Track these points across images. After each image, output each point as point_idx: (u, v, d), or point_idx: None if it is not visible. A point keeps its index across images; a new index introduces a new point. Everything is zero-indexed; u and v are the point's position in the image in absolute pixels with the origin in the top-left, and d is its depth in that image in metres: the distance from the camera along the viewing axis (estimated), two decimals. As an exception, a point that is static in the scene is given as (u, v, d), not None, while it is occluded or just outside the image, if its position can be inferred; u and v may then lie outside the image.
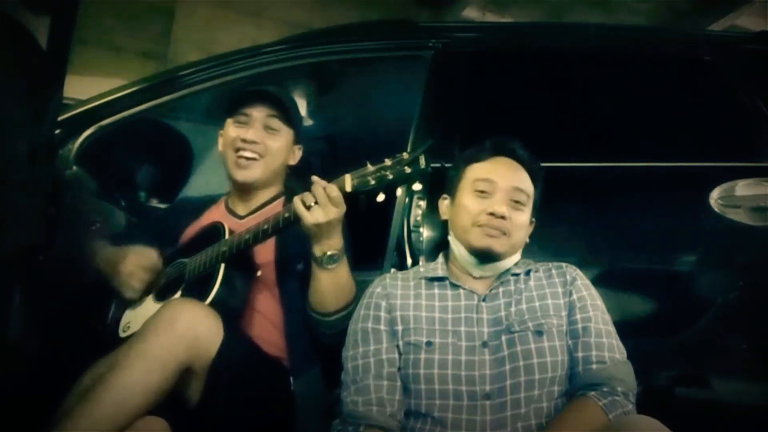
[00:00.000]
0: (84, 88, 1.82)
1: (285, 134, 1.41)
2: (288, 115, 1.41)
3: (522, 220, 1.14)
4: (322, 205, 1.13)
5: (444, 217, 1.22)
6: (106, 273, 1.33)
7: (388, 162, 1.11)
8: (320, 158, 2.31)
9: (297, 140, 1.45)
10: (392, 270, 1.30)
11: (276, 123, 1.39)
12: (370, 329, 1.10)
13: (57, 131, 1.47)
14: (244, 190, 1.42)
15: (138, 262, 1.30)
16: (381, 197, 1.13)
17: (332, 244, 1.18)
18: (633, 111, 1.54)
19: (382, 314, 1.11)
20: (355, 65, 2.04)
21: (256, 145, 1.36)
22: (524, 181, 1.16)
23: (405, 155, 1.11)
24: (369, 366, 1.06)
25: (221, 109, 1.49)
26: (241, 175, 1.37)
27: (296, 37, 1.79)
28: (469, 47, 1.63)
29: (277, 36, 1.97)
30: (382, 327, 1.10)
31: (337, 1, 4.31)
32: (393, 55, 1.70)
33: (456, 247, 1.16)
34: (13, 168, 1.07)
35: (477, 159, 1.19)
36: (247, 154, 1.36)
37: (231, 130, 1.39)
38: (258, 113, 1.38)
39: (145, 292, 1.33)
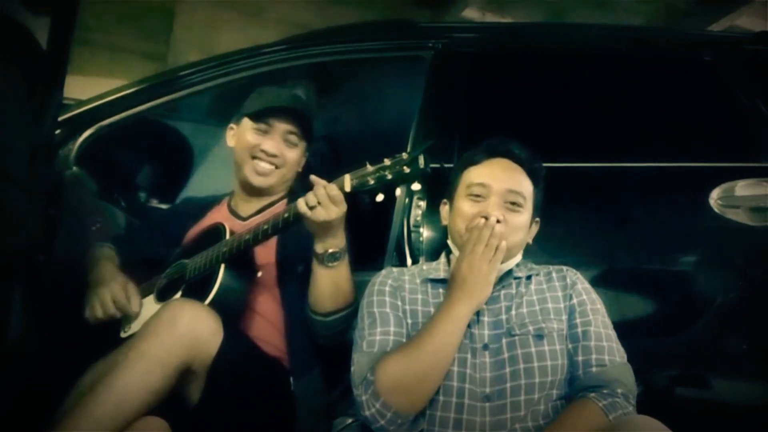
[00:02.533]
0: (84, 88, 1.82)
1: (301, 148, 1.43)
2: (307, 131, 1.43)
3: (519, 222, 1.12)
4: (324, 206, 1.14)
5: (444, 222, 1.22)
6: (89, 281, 1.30)
7: (387, 162, 1.11)
8: (320, 158, 2.31)
9: (306, 151, 1.47)
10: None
11: (295, 138, 1.41)
12: (391, 314, 1.09)
13: (57, 131, 1.47)
14: (252, 192, 1.42)
15: (117, 295, 1.24)
16: (380, 197, 1.13)
17: (335, 242, 1.18)
18: (633, 111, 1.54)
19: (398, 303, 1.11)
20: (355, 65, 2.04)
21: (275, 158, 1.38)
22: (521, 183, 1.15)
23: (404, 155, 1.11)
24: (387, 343, 1.05)
25: (223, 109, 1.49)
26: (259, 181, 1.39)
27: (296, 38, 1.79)
28: (468, 48, 1.63)
29: (278, 36, 1.97)
30: (399, 313, 1.10)
31: (337, 1, 4.31)
32: (393, 55, 1.70)
33: (455, 252, 1.16)
34: (13, 168, 1.07)
35: (473, 162, 1.18)
36: (264, 165, 1.38)
37: (250, 135, 1.39)
38: (280, 125, 1.39)
39: (146, 293, 1.33)
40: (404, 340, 1.06)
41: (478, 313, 1.08)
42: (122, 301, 1.24)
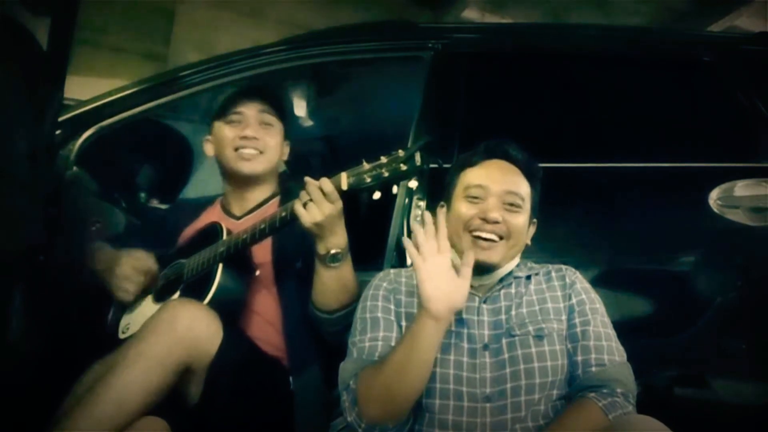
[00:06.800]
0: (84, 88, 1.82)
1: (278, 129, 1.43)
2: (279, 109, 1.43)
3: (518, 223, 1.12)
4: (318, 203, 1.13)
5: None
6: (101, 275, 1.32)
7: (384, 159, 1.11)
8: (320, 158, 2.31)
9: (286, 135, 1.46)
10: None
11: (269, 117, 1.41)
12: (381, 318, 1.09)
13: (57, 132, 1.47)
14: (241, 187, 1.42)
15: (133, 265, 1.29)
16: (377, 195, 1.12)
17: (336, 242, 1.17)
18: (632, 111, 1.54)
19: (392, 306, 1.11)
20: (355, 66, 2.04)
21: (256, 141, 1.38)
22: (519, 184, 1.14)
23: (401, 153, 1.10)
24: (376, 348, 1.05)
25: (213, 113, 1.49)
26: (247, 167, 1.38)
27: (296, 38, 1.79)
28: (468, 48, 1.63)
29: (277, 36, 1.97)
30: (392, 317, 1.10)
31: (337, 1, 4.32)
32: (393, 55, 1.70)
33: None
34: (14, 168, 1.08)
35: (470, 164, 1.17)
36: (248, 151, 1.38)
37: (225, 130, 1.39)
38: (250, 110, 1.39)
39: (143, 294, 1.33)
40: (393, 343, 1.05)
41: (477, 314, 1.08)
42: (141, 266, 1.28)
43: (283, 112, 1.44)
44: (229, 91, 1.44)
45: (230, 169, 1.40)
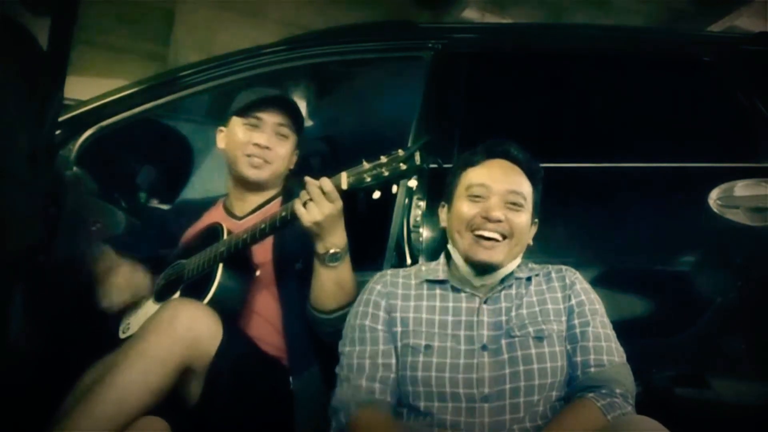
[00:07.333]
0: (84, 88, 1.83)
1: (291, 141, 1.43)
2: (297, 123, 1.44)
3: (521, 221, 1.12)
4: (317, 202, 1.13)
5: (443, 224, 1.21)
6: (96, 276, 1.31)
7: (383, 159, 1.11)
8: (320, 159, 2.31)
9: (297, 146, 1.47)
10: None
11: (285, 130, 1.41)
12: (368, 328, 1.10)
13: (57, 132, 1.47)
14: (245, 188, 1.43)
15: (129, 278, 1.27)
16: (377, 194, 1.13)
17: (335, 242, 1.18)
18: (632, 111, 1.54)
19: (381, 314, 1.11)
20: (354, 66, 2.04)
21: (267, 152, 1.38)
22: (520, 183, 1.14)
23: (400, 152, 1.11)
24: (363, 367, 1.06)
25: (223, 109, 1.49)
26: (253, 174, 1.39)
27: (296, 38, 1.79)
28: (468, 48, 1.63)
29: (277, 37, 1.97)
30: (380, 327, 1.10)
31: (337, 1, 4.32)
32: (393, 55, 1.70)
33: (455, 256, 1.15)
34: (14, 168, 1.08)
35: (471, 163, 1.18)
36: (257, 159, 1.38)
37: (240, 131, 1.39)
38: (270, 119, 1.39)
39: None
40: (379, 359, 1.07)
41: (477, 314, 1.08)
42: (136, 281, 1.27)
43: (301, 127, 1.45)
44: (255, 90, 1.44)
45: (236, 171, 1.41)
